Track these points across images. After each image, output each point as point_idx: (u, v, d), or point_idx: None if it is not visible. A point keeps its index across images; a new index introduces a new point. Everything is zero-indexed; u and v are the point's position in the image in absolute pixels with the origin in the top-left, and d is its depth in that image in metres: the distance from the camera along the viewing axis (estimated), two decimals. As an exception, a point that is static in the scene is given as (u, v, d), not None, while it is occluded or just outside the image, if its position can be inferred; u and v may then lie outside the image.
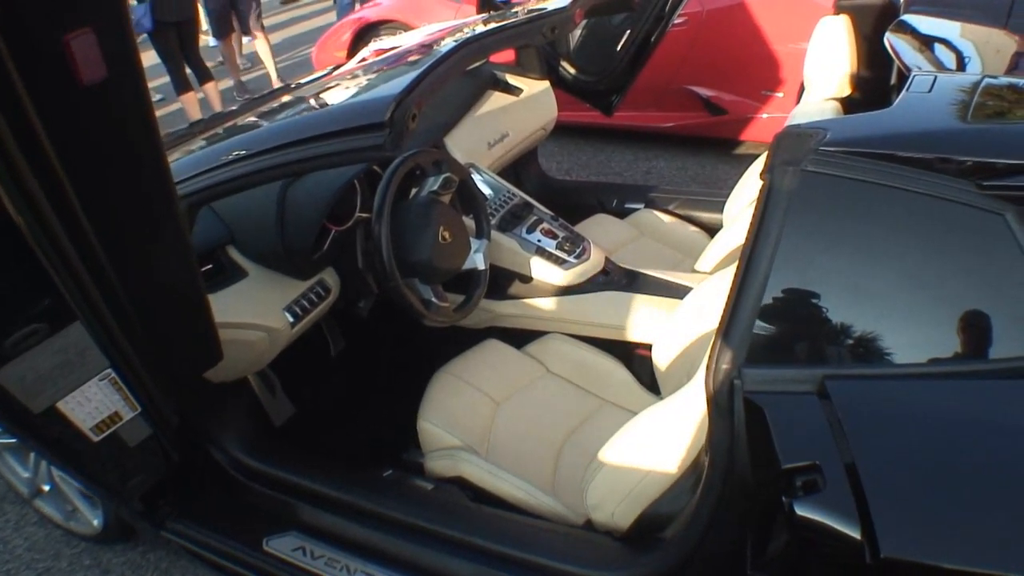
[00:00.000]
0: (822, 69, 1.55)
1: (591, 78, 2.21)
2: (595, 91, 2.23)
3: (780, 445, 0.75)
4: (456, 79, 1.82)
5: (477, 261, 1.56)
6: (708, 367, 0.84)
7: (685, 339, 1.24)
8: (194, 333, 1.12)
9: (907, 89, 0.99)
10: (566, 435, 1.43)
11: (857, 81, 1.56)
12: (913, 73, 1.07)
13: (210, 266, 1.36)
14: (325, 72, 2.07)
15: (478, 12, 2.31)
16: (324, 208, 1.37)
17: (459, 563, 1.19)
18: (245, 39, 5.16)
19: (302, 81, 2.03)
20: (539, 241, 1.66)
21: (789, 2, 2.84)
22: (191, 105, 3.91)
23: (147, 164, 0.87)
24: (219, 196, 1.23)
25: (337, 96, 1.50)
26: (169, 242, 0.97)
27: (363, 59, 2.16)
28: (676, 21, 2.27)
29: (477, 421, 1.43)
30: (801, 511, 0.71)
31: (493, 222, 1.68)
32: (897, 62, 1.27)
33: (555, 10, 1.58)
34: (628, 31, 2.10)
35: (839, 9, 1.65)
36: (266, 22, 4.90)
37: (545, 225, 1.71)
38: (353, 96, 1.46)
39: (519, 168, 2.31)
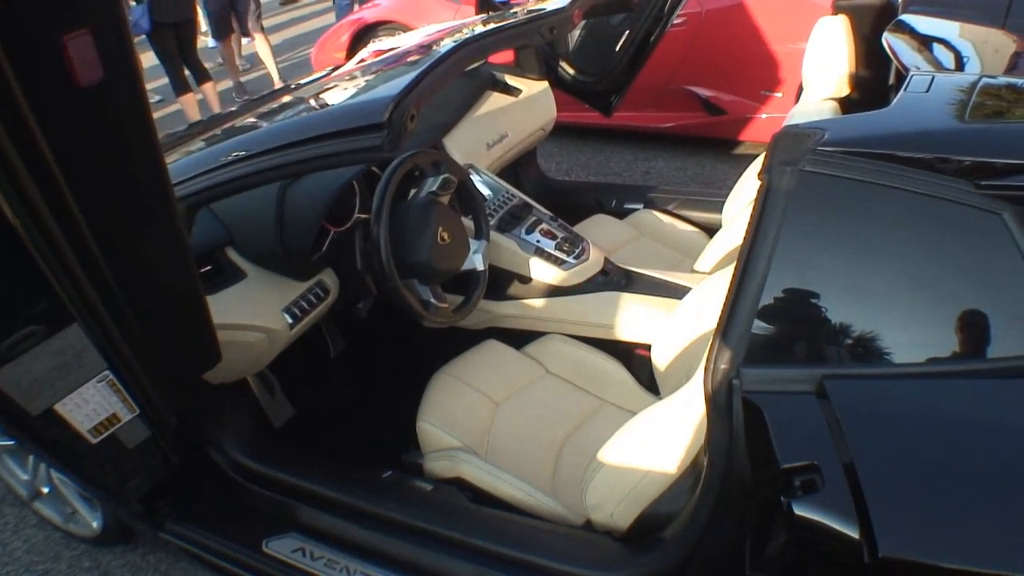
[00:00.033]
0: (820, 69, 1.56)
1: (590, 78, 2.21)
2: (594, 91, 2.23)
3: (778, 445, 0.75)
4: (455, 80, 1.82)
5: (476, 262, 1.56)
6: (706, 367, 0.84)
7: (684, 339, 1.24)
8: (192, 335, 1.12)
9: (905, 89, 0.99)
10: (565, 436, 1.43)
11: (856, 81, 1.56)
12: (911, 73, 1.07)
13: (209, 267, 1.36)
14: (324, 73, 2.07)
15: (477, 13, 2.31)
16: (323, 209, 1.37)
17: (459, 564, 1.19)
18: (244, 40, 5.16)
19: (301, 82, 2.03)
20: (538, 242, 1.66)
21: (788, 2, 2.84)
22: (190, 106, 3.91)
23: (144, 165, 0.87)
24: (218, 197, 1.23)
25: (336, 97, 1.50)
26: (167, 243, 0.97)
27: (362, 60, 2.16)
28: (675, 21, 2.27)
29: (476, 422, 1.43)
30: (799, 511, 0.71)
31: (492, 223, 1.68)
32: (895, 62, 1.27)
33: (554, 10, 1.58)
34: (627, 31, 2.10)
35: (837, 9, 1.65)
36: (265, 23, 4.90)
37: (544, 226, 1.71)
38: (352, 97, 1.46)
39: (518, 169, 2.31)
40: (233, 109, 1.94)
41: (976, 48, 1.38)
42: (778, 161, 0.83)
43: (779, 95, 2.97)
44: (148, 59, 4.27)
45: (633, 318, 1.58)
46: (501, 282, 1.69)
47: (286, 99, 1.75)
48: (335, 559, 1.29)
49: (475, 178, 1.77)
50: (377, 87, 1.46)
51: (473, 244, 1.57)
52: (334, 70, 2.08)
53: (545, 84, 2.16)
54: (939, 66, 1.32)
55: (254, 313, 1.36)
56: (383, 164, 1.47)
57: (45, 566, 1.70)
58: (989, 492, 0.69)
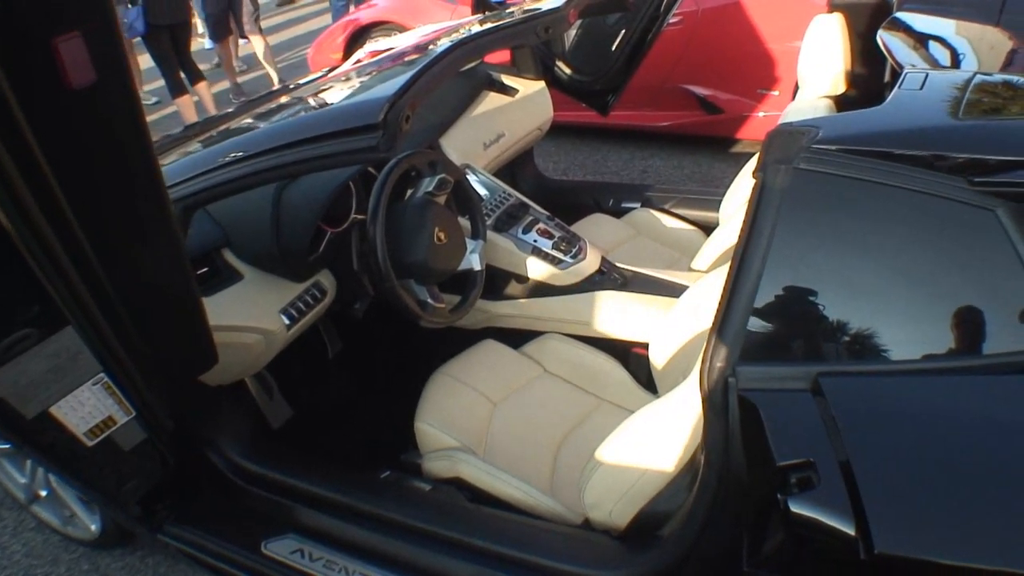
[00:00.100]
0: (816, 67, 1.56)
1: (587, 78, 2.21)
2: (591, 91, 2.23)
3: (774, 442, 0.75)
4: (451, 80, 1.82)
5: (473, 262, 1.56)
6: (702, 365, 0.84)
7: (681, 338, 1.24)
8: (188, 337, 1.12)
9: (899, 86, 0.99)
10: (564, 435, 1.43)
11: (851, 79, 1.56)
12: (905, 70, 1.07)
13: (205, 269, 1.36)
14: (320, 74, 2.07)
15: (473, 13, 2.31)
16: (319, 210, 1.37)
17: (457, 564, 1.19)
18: (242, 41, 5.16)
19: (297, 83, 2.03)
20: (535, 241, 1.66)
21: (784, 1, 2.84)
22: (186, 108, 3.91)
23: (138, 167, 0.87)
24: (214, 199, 1.23)
25: (332, 98, 1.50)
26: (161, 245, 0.97)
27: (358, 61, 2.16)
28: (671, 20, 2.27)
29: (474, 422, 1.43)
30: (796, 508, 0.71)
31: (489, 222, 1.68)
32: (890, 60, 1.27)
33: (549, 10, 1.58)
34: (623, 31, 2.10)
35: (833, 7, 1.65)
36: (263, 24, 4.90)
37: (541, 225, 1.71)
38: (347, 98, 1.46)
39: (515, 168, 2.31)
40: (230, 110, 1.94)
41: (972, 45, 1.39)
42: (772, 159, 0.84)
43: (776, 93, 2.97)
44: (144, 61, 4.27)
45: (631, 317, 1.58)
46: (498, 282, 1.69)
47: (282, 100, 1.75)
48: (334, 560, 1.29)
49: (472, 178, 1.77)
50: (373, 88, 1.46)
51: (470, 244, 1.57)
52: (330, 71, 2.08)
53: (542, 84, 2.16)
54: (935, 63, 1.32)
55: (251, 314, 1.36)
56: (379, 165, 1.47)
57: (44, 569, 1.70)
58: (984, 488, 0.69)
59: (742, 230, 0.83)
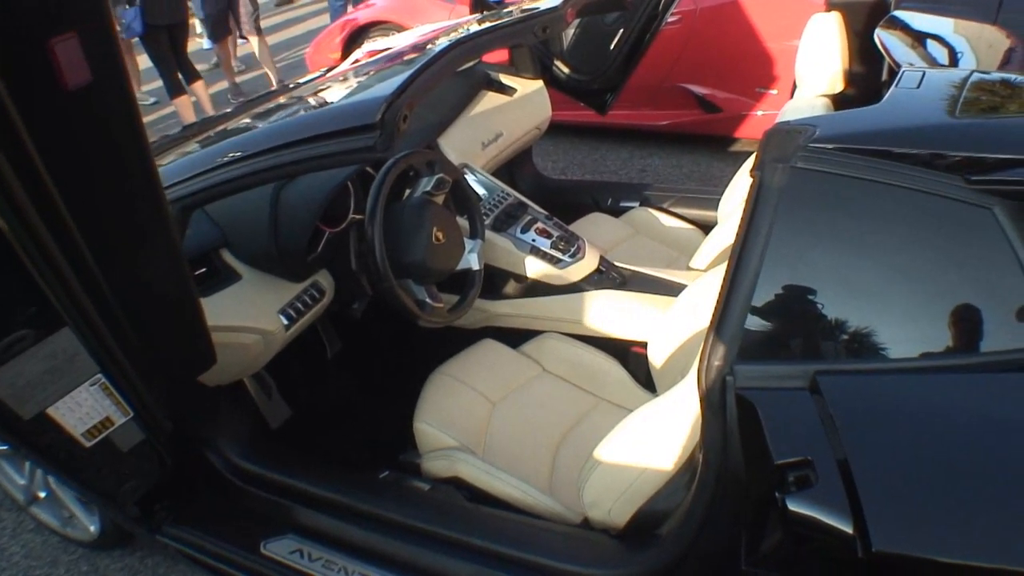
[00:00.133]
0: (813, 66, 1.56)
1: (585, 77, 2.21)
2: (589, 90, 2.23)
3: (772, 441, 0.75)
4: (449, 79, 1.82)
5: (471, 261, 1.56)
6: (700, 364, 0.84)
7: (680, 336, 1.24)
8: (186, 337, 1.12)
9: (896, 85, 0.99)
10: (563, 434, 1.43)
11: (849, 77, 1.56)
12: (902, 69, 1.07)
13: (203, 269, 1.36)
14: (318, 74, 2.07)
15: (471, 12, 2.31)
16: (317, 210, 1.37)
17: (457, 563, 1.19)
18: (240, 41, 5.16)
19: (295, 83, 2.03)
20: (534, 240, 1.66)
21: (782, -1, 2.84)
22: (185, 108, 3.91)
23: (134, 167, 0.87)
24: (212, 199, 1.23)
25: (330, 98, 1.50)
26: (158, 245, 0.97)
27: (356, 60, 2.16)
28: (670, 19, 2.27)
29: (473, 421, 1.43)
30: (794, 506, 0.71)
31: (487, 222, 1.68)
32: (887, 58, 1.27)
33: (547, 9, 1.58)
34: (621, 30, 2.10)
35: (830, 6, 1.65)
36: (262, 24, 4.89)
37: (540, 224, 1.71)
38: (345, 98, 1.46)
39: (514, 168, 2.31)
40: (228, 111, 1.94)
41: (970, 44, 1.39)
42: (770, 158, 0.84)
43: (774, 92, 2.97)
44: (143, 61, 4.27)
45: (629, 316, 1.58)
46: (497, 281, 1.69)
47: (280, 100, 1.75)
48: (333, 560, 1.29)
49: (470, 177, 1.77)
50: (371, 87, 1.46)
51: (468, 244, 1.57)
52: (329, 71, 2.08)
53: (540, 83, 2.16)
54: (933, 62, 1.32)
55: (249, 315, 1.36)
56: (378, 165, 1.47)
57: (43, 571, 1.69)
58: (982, 486, 0.69)
59: (739, 229, 0.84)
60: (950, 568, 0.66)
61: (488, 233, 1.65)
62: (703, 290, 1.23)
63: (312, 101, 1.57)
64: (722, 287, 0.84)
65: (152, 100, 4.83)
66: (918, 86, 0.98)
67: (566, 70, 2.22)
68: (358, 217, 1.51)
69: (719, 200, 1.87)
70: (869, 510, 0.68)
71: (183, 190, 1.21)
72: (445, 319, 1.50)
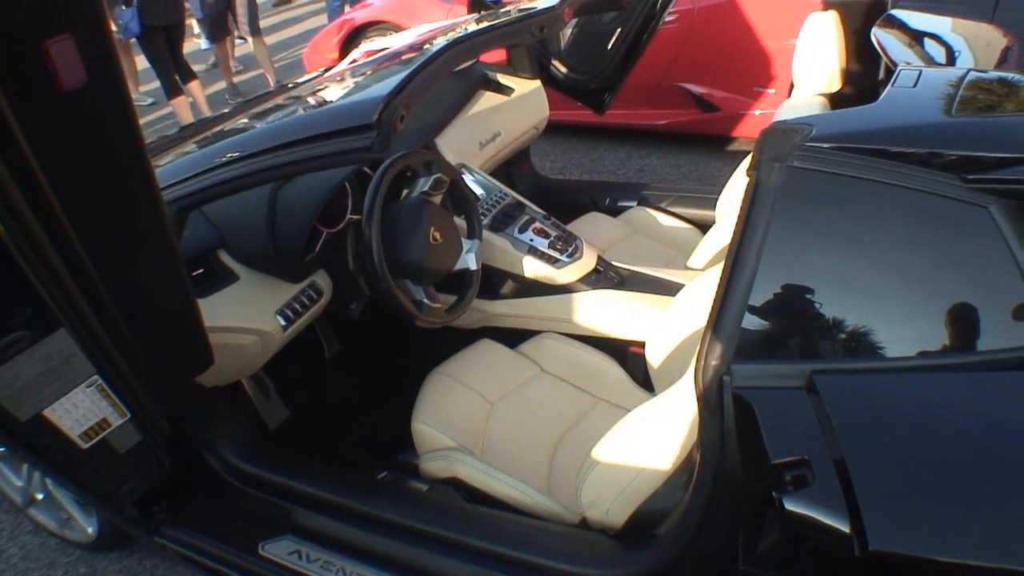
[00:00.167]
0: (811, 65, 1.56)
1: (583, 77, 2.21)
2: (587, 90, 2.23)
3: (769, 440, 0.75)
4: (447, 79, 1.81)
5: (469, 261, 1.56)
6: (697, 364, 0.84)
7: (678, 336, 1.24)
8: (184, 338, 1.11)
9: (892, 84, 0.99)
10: (561, 434, 1.43)
11: (847, 76, 1.56)
12: (899, 68, 1.07)
13: (201, 270, 1.36)
14: (316, 74, 2.07)
15: (469, 12, 2.31)
16: (315, 210, 1.37)
17: (455, 564, 1.19)
18: (238, 42, 5.15)
19: (292, 83, 2.03)
20: (531, 240, 1.66)
21: (779, -2, 2.84)
22: (182, 109, 3.90)
23: (131, 168, 0.87)
24: (209, 200, 1.23)
25: (327, 98, 1.50)
26: (155, 246, 0.97)
27: (353, 60, 2.16)
28: (667, 18, 2.27)
29: (471, 422, 1.43)
30: (791, 506, 0.71)
31: (485, 222, 1.68)
32: (884, 57, 1.27)
33: (544, 9, 1.58)
34: (619, 29, 2.10)
35: (827, 5, 1.66)
36: (260, 24, 4.88)
37: (537, 224, 1.71)
38: (342, 98, 1.46)
39: (511, 167, 2.30)
40: (226, 111, 1.94)
41: (968, 42, 1.39)
42: (766, 157, 0.84)
43: (772, 91, 2.97)
44: (140, 62, 4.26)
45: (627, 316, 1.58)
46: (495, 281, 1.69)
47: (277, 101, 1.75)
48: (331, 561, 1.29)
49: (468, 177, 1.77)
50: (368, 87, 1.46)
51: (466, 244, 1.57)
52: (326, 71, 2.08)
53: (537, 83, 2.16)
54: (930, 61, 1.32)
55: (247, 316, 1.35)
56: (375, 165, 1.46)
57: (41, 572, 1.69)
58: (979, 485, 0.69)
59: (736, 229, 0.84)
60: (947, 567, 0.66)
61: (486, 233, 1.65)
62: (701, 290, 1.23)
63: (309, 101, 1.57)
64: (719, 287, 0.84)
65: (150, 101, 4.83)
66: (915, 85, 0.99)
67: (564, 70, 2.22)
68: (356, 217, 1.51)
69: (717, 199, 1.87)
70: (866, 509, 0.68)
71: (180, 191, 1.21)
72: (443, 319, 1.50)
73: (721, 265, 0.86)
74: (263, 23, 4.88)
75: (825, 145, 0.82)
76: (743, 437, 0.80)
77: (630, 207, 2.19)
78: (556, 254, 1.64)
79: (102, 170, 0.86)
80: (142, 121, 0.86)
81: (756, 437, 0.76)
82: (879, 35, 1.35)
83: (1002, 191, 0.75)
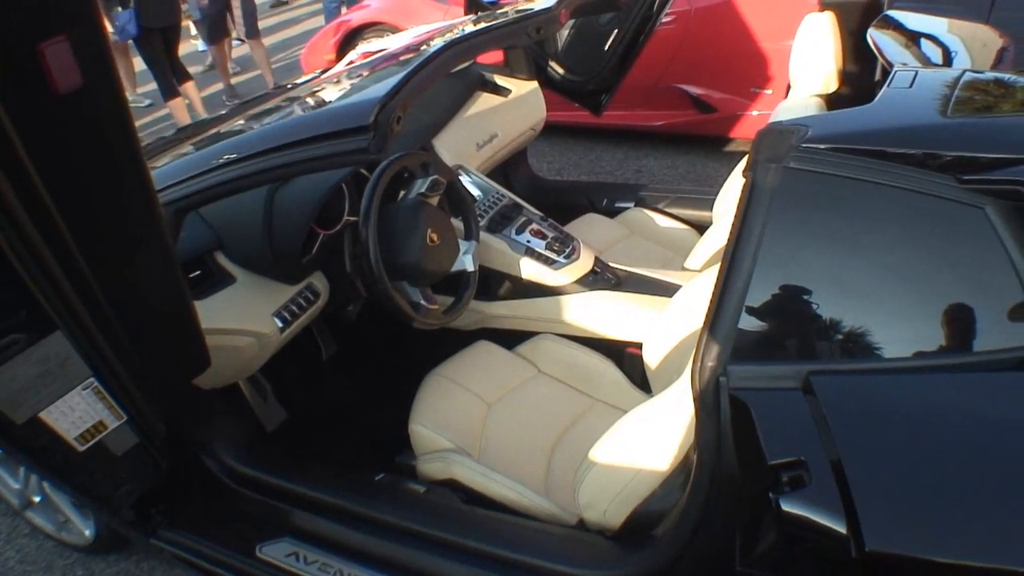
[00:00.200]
0: (807, 66, 1.56)
1: (580, 78, 2.21)
2: (584, 91, 2.23)
3: (766, 441, 0.75)
4: (444, 81, 1.82)
5: (466, 263, 1.56)
6: (694, 365, 0.84)
7: (675, 337, 1.24)
8: (180, 340, 1.11)
9: (888, 85, 1.00)
10: (558, 435, 1.43)
11: (843, 77, 1.56)
12: (895, 69, 1.08)
13: (198, 272, 1.35)
14: (313, 75, 2.06)
15: (465, 13, 2.31)
16: (312, 212, 1.37)
17: (453, 565, 1.19)
18: (235, 43, 5.15)
19: (289, 85, 2.03)
20: (528, 242, 1.66)
21: (776, -1, 2.85)
22: (179, 110, 3.90)
23: (127, 171, 0.87)
24: (206, 201, 1.22)
25: (324, 99, 1.50)
26: (152, 248, 0.97)
27: (350, 62, 2.15)
28: (664, 20, 2.27)
29: (469, 423, 1.43)
30: (787, 507, 0.71)
31: (482, 223, 1.68)
32: (880, 58, 1.27)
33: (541, 10, 1.58)
34: (616, 30, 2.10)
35: (824, 6, 1.66)
36: (258, 26, 4.88)
37: (534, 226, 1.71)
38: (339, 99, 1.46)
39: (509, 169, 2.31)
40: (223, 113, 1.93)
41: (964, 43, 1.39)
42: (762, 158, 0.84)
43: (769, 92, 2.98)
44: (138, 63, 4.26)
45: (624, 317, 1.58)
46: (492, 283, 1.69)
47: (274, 102, 1.75)
48: (329, 563, 1.29)
49: (465, 179, 1.77)
50: (364, 89, 1.46)
51: (463, 245, 1.57)
52: (323, 72, 2.08)
53: (535, 84, 2.16)
54: (927, 61, 1.33)
55: (244, 317, 1.35)
56: (372, 167, 1.46)
57: (38, 575, 1.69)
58: (976, 485, 0.69)
59: (732, 229, 0.84)
60: (943, 568, 0.66)
61: (483, 234, 1.65)
62: (698, 290, 1.23)
63: (307, 103, 1.56)
64: (715, 288, 0.84)
65: (147, 102, 4.83)
66: (911, 86, 0.99)
67: (561, 71, 2.22)
68: (353, 219, 1.51)
69: (714, 200, 1.88)
70: (862, 510, 0.68)
71: (177, 192, 1.20)
72: (440, 321, 1.49)
73: (718, 266, 0.87)
74: (260, 24, 4.88)
75: (821, 146, 0.82)
76: (740, 438, 0.80)
77: (627, 208, 2.19)
78: (553, 255, 1.64)
79: (98, 172, 0.85)
80: (139, 123, 0.86)
81: (753, 438, 0.76)
82: (875, 36, 1.35)
83: (998, 192, 0.75)
